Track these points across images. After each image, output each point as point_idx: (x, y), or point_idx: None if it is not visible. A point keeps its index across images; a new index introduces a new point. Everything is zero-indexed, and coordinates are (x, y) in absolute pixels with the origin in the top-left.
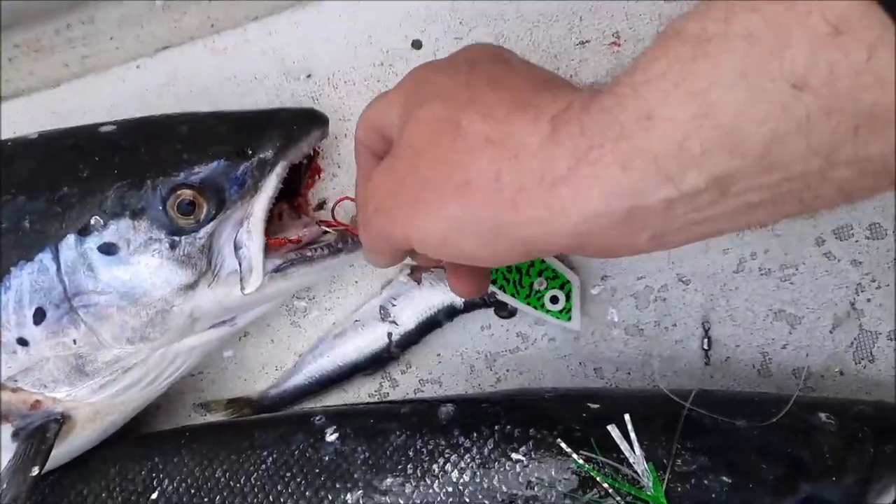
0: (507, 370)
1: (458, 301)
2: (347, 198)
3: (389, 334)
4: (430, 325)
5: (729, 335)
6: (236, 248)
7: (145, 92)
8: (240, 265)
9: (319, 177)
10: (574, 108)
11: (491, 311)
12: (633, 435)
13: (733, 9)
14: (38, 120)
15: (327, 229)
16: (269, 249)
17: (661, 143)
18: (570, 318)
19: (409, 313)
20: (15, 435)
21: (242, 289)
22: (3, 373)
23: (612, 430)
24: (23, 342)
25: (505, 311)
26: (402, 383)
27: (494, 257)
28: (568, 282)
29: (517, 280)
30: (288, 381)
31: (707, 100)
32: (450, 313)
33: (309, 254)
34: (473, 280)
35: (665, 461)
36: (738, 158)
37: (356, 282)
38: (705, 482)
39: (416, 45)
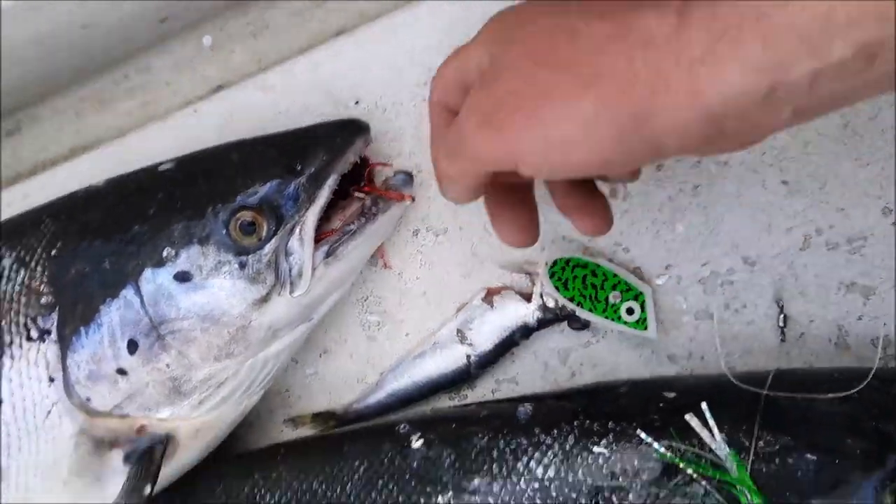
0: (581, 364)
1: (532, 320)
2: (379, 163)
3: (468, 356)
4: (506, 346)
5: (801, 311)
6: (287, 254)
7: (204, 134)
8: (290, 271)
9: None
10: None
11: (564, 323)
12: (711, 422)
13: None
14: (109, 171)
15: (360, 195)
16: (316, 243)
17: (804, 18)
18: (646, 328)
19: (485, 336)
20: (126, 459)
21: (291, 292)
22: (109, 402)
23: (691, 419)
24: (122, 372)
25: (578, 324)
26: (480, 384)
27: (625, 158)
28: (641, 293)
29: (593, 296)
30: (370, 397)
31: None
32: (525, 332)
33: (349, 227)
34: (526, 227)
35: (747, 443)
36: (887, 26)
37: (424, 292)
38: (789, 461)
39: None
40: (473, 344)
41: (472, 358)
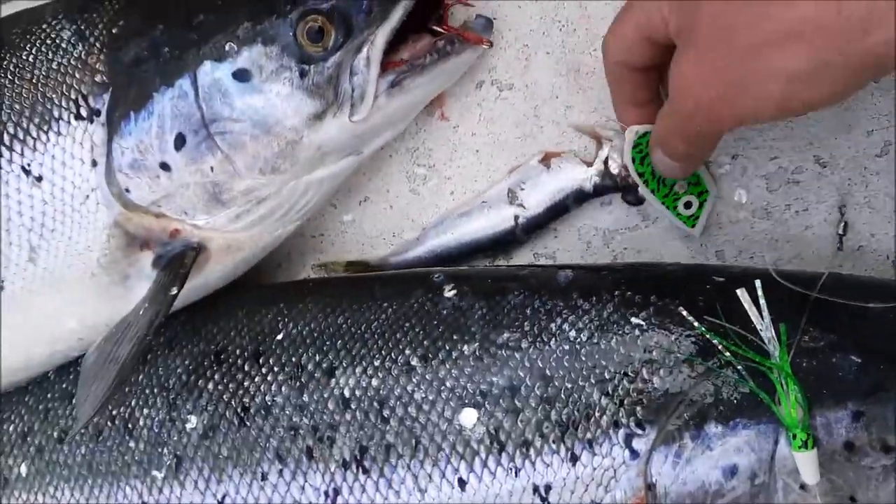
0: (625, 248)
1: (588, 185)
2: (460, 1)
3: (516, 217)
4: (558, 210)
5: (864, 223)
6: (351, 74)
7: None
8: (352, 92)
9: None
10: None
11: (613, 203)
12: (762, 300)
13: None
14: None
15: (438, 29)
16: (383, 71)
17: None
18: (693, 226)
19: (538, 197)
20: (155, 263)
21: (350, 116)
22: (147, 197)
23: (742, 293)
24: (165, 167)
25: (632, 197)
26: (517, 257)
27: (843, 95)
28: (706, 191)
29: (661, 179)
30: (409, 252)
31: None
32: (578, 198)
33: (419, 62)
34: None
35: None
36: None
37: (477, 150)
38: (833, 360)
39: None
40: (524, 205)
41: (521, 220)
